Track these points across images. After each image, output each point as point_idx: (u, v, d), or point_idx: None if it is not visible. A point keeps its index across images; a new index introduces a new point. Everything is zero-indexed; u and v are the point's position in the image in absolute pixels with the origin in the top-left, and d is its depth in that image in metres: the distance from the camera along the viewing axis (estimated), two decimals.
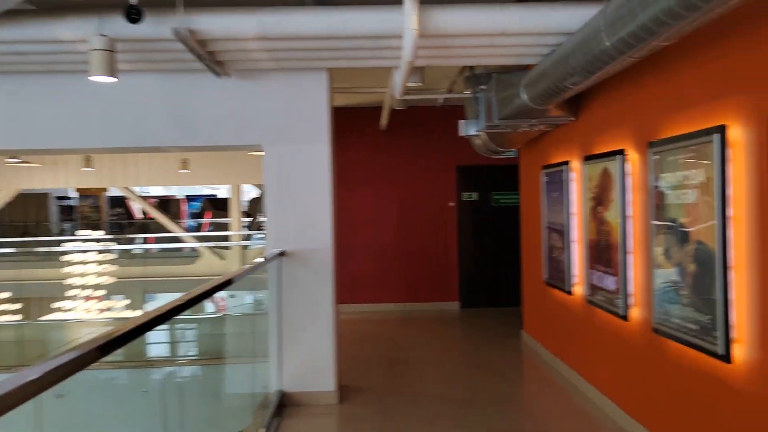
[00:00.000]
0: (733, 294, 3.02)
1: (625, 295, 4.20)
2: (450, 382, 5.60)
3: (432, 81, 7.02)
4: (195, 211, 20.94)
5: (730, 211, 3.02)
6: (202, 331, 8.46)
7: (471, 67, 5.97)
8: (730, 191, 3.02)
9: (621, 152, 4.22)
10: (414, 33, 3.57)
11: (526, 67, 4.89)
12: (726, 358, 3.05)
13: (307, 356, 5.01)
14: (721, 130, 3.05)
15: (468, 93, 6.04)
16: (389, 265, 9.19)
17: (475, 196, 9.21)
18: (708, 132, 3.15)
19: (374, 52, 4.31)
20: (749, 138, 2.90)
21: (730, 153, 3.03)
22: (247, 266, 4.23)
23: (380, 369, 6.06)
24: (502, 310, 8.86)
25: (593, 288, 4.81)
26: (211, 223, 19.01)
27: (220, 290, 3.23)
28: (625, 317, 4.22)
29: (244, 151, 7.33)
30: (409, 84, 5.85)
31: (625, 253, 4.21)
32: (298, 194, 5.03)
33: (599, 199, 4.65)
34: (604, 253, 4.59)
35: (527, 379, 5.88)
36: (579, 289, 5.21)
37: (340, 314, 8.87)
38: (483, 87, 5.60)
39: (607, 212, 4.50)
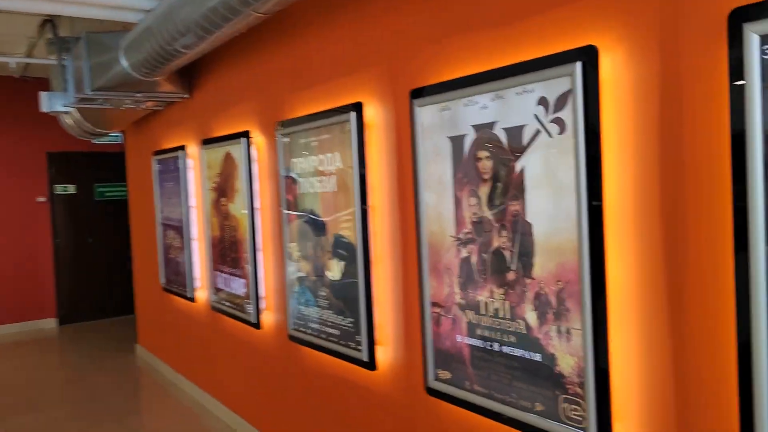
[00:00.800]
0: (376, 292, 2.70)
1: (256, 300, 3.65)
2: (47, 430, 4.27)
3: (2, 41, 5.38)
4: None
5: (370, 199, 2.69)
6: None
7: (55, 25, 4.67)
8: (369, 176, 2.69)
9: (245, 134, 3.63)
10: None
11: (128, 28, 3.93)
12: (371, 365, 2.72)
13: None
14: (357, 108, 2.69)
15: (53, 59, 4.73)
16: None
17: (72, 189, 7.67)
18: (345, 110, 2.76)
19: None
20: (387, 117, 2.58)
21: (368, 134, 2.68)
22: None
23: None
24: (114, 321, 7.67)
25: (219, 292, 4.16)
26: None
27: None
28: (257, 324, 3.67)
29: None
30: None
31: (254, 251, 3.65)
32: None
33: (222, 189, 4.01)
34: (230, 252, 3.97)
35: (145, 405, 4.92)
36: (203, 294, 4.50)
37: None
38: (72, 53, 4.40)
39: (232, 204, 3.89)
